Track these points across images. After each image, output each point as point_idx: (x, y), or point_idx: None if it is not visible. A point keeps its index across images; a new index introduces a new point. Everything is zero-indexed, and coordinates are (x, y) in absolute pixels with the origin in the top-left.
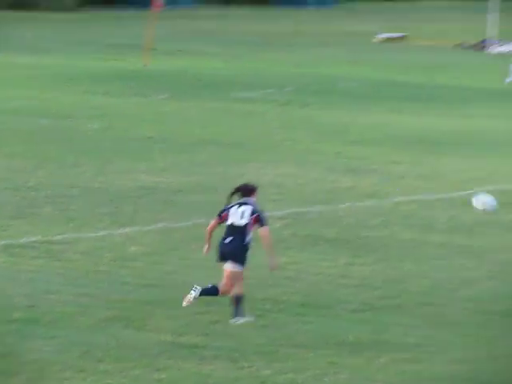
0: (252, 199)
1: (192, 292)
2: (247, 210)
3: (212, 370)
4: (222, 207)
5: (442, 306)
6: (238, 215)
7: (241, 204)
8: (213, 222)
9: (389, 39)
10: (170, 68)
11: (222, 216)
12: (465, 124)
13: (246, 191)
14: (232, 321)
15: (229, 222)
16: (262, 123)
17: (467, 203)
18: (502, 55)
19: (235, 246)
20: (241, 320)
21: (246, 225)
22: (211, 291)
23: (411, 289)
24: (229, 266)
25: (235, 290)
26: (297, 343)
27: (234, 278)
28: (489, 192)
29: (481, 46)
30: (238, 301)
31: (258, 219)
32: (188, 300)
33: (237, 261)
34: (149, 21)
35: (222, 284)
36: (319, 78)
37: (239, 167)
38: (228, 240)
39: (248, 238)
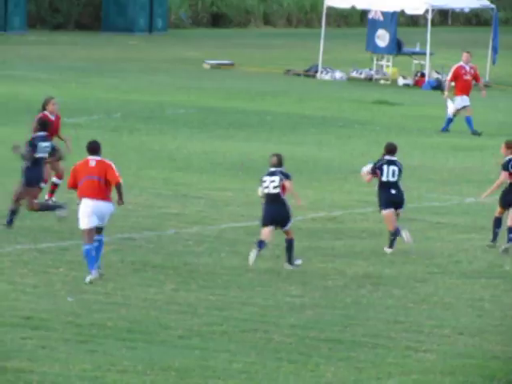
0: None
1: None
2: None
3: None
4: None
5: (269, 333)
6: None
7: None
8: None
9: (219, 65)
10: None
11: None
12: (293, 151)
13: None
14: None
15: None
16: None
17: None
18: (332, 82)
19: None
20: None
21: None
22: None
23: (237, 315)
24: None
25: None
26: (123, 369)
27: None
28: (315, 220)
29: (310, 72)
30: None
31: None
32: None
33: None
34: None
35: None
36: (148, 104)
37: (67, 192)
38: None
39: None
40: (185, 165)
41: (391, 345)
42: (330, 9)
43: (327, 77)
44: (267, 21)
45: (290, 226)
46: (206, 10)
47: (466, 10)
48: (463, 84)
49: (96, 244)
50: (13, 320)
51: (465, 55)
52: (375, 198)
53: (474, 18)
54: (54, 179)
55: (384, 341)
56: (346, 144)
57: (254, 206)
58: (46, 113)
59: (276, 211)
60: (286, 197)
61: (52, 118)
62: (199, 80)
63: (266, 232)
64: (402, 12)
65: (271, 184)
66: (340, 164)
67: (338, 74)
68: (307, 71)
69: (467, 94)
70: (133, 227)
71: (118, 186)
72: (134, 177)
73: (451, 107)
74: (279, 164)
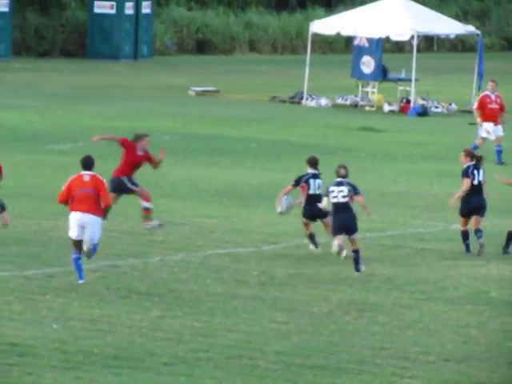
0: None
1: None
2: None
3: None
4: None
5: (255, 360)
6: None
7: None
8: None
9: (204, 92)
10: None
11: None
12: (276, 177)
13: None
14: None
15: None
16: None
17: (277, 256)
18: (317, 109)
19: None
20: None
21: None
22: None
23: (222, 342)
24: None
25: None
26: None
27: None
28: (300, 246)
29: (296, 99)
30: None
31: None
32: None
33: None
34: None
35: None
36: (133, 131)
37: (54, 219)
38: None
39: None
40: (170, 191)
41: (377, 371)
42: (315, 35)
43: (312, 103)
44: (252, 47)
45: (357, 235)
46: (192, 37)
47: (452, 36)
48: (489, 113)
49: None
50: None
51: (490, 84)
52: (360, 225)
53: (460, 44)
54: None
55: (369, 367)
56: (330, 171)
57: (238, 232)
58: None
59: (346, 219)
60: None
61: (140, 153)
62: (184, 106)
63: (340, 239)
64: (388, 38)
65: (340, 194)
66: (325, 191)
67: (324, 101)
68: (292, 98)
69: (495, 123)
70: (118, 254)
71: (107, 209)
72: (118, 204)
73: (485, 133)
74: (347, 175)
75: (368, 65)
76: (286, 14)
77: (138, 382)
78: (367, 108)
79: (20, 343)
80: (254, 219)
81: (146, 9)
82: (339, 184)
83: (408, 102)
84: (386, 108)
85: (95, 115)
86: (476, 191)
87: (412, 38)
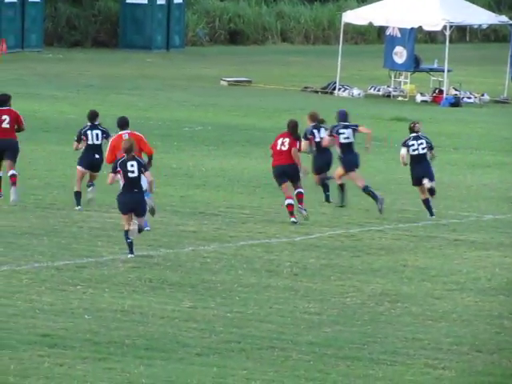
0: None
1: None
2: None
3: None
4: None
5: (287, 350)
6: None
7: None
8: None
9: (236, 83)
10: (19, 110)
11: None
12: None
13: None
14: None
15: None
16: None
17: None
18: (350, 99)
19: None
20: None
21: None
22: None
23: (254, 333)
24: None
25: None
26: None
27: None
28: (332, 237)
29: (328, 89)
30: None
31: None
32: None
33: None
34: None
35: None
36: (165, 121)
37: (85, 210)
38: None
39: None
40: (202, 182)
41: (409, 362)
42: (347, 25)
43: (345, 94)
44: (284, 38)
45: (434, 183)
46: (224, 28)
47: (484, 26)
48: None
49: None
50: (30, 338)
51: None
52: (393, 215)
53: (493, 34)
54: None
55: (402, 358)
56: (363, 161)
57: (271, 223)
58: None
59: (424, 169)
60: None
61: None
62: (216, 97)
63: (423, 189)
64: (420, 29)
65: (419, 146)
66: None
67: (356, 91)
68: (325, 88)
69: None
70: (150, 245)
71: (151, 156)
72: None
73: None
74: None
75: (400, 55)
76: (318, 4)
77: (170, 372)
78: (400, 98)
79: (51, 334)
80: (285, 210)
81: None
82: (417, 138)
83: (441, 92)
84: (419, 98)
85: (127, 106)
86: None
87: (444, 28)
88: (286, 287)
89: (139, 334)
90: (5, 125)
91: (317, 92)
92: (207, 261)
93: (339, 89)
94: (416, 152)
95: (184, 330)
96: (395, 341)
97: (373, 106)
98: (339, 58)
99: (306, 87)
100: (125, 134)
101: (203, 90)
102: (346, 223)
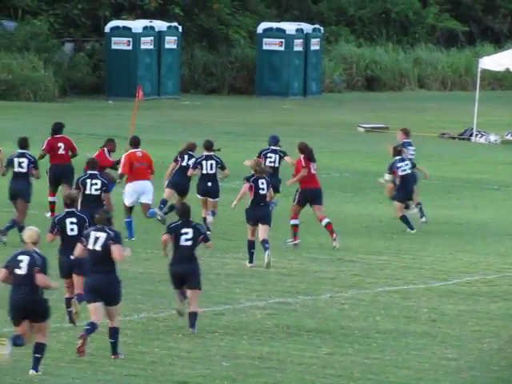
0: None
1: None
2: None
3: None
4: None
5: None
6: None
7: None
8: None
9: (373, 129)
10: (154, 157)
11: None
12: (447, 214)
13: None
14: None
15: None
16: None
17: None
18: (487, 145)
19: None
20: None
21: None
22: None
23: (392, 379)
24: None
25: None
26: None
27: None
28: (470, 283)
29: (465, 135)
30: None
31: None
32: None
33: None
34: (133, 111)
35: None
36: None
37: (222, 257)
38: None
39: None
40: (340, 229)
41: None
42: (484, 72)
43: (482, 140)
44: (421, 84)
45: None
46: (361, 74)
47: None
48: None
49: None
50: None
51: None
52: None
53: None
54: None
55: None
56: (501, 207)
57: (408, 269)
58: None
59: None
60: None
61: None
62: (353, 143)
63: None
64: None
65: (406, 166)
66: (495, 227)
67: (493, 137)
68: (462, 134)
69: None
70: (288, 291)
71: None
72: (281, 241)
73: None
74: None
75: None
76: (455, 50)
77: None
78: None
79: (189, 381)
80: (423, 256)
81: (314, 45)
82: (402, 160)
83: None
84: None
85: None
86: None
87: None
88: (424, 333)
89: (277, 380)
90: (61, 151)
91: (454, 138)
92: (345, 307)
93: (476, 135)
94: (404, 172)
95: (322, 376)
96: None
97: (510, 152)
98: (476, 104)
99: (443, 133)
100: (138, 151)
101: (340, 136)
102: (483, 269)
